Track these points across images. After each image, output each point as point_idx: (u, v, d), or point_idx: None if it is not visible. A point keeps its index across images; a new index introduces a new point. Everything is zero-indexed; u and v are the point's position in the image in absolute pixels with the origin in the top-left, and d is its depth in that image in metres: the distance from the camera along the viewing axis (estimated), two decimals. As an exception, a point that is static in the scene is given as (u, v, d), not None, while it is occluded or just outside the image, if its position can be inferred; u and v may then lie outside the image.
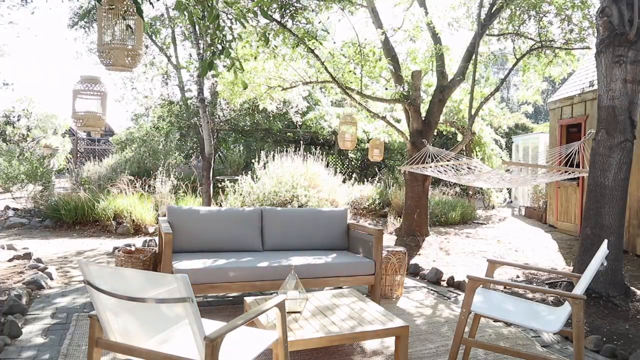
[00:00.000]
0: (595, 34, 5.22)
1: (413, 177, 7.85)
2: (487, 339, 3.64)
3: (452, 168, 6.30)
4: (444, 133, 13.63)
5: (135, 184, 8.82)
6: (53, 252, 6.20)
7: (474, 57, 7.42)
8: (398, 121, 10.23)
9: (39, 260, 5.42)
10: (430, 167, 6.35)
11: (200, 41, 8.97)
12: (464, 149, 11.46)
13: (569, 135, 9.37)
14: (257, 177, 8.79)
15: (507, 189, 13.62)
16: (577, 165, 7.14)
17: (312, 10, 7.38)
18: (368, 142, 11.56)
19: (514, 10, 7.55)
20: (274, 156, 9.05)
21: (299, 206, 7.98)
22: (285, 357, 2.52)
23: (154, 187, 8.93)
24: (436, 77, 8.32)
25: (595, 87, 6.27)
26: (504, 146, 15.20)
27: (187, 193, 9.53)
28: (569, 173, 5.67)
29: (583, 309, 2.61)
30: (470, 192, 12.17)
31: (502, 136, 14.30)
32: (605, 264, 2.93)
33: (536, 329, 2.82)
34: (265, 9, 6.14)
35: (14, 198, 10.34)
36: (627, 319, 4.11)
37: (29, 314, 3.81)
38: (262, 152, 9.45)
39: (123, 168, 11.16)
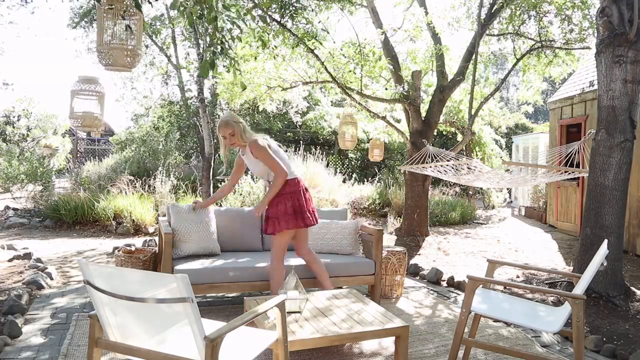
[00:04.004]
0: (595, 34, 5.22)
1: (413, 177, 7.85)
2: (487, 339, 3.64)
3: (452, 168, 6.30)
4: (444, 133, 13.64)
5: (135, 184, 8.82)
6: (53, 252, 6.20)
7: (474, 57, 7.42)
8: (398, 121, 10.23)
9: (38, 260, 5.42)
10: (430, 167, 6.35)
11: (200, 41, 8.97)
12: (464, 149, 11.46)
13: (569, 135, 9.37)
14: (257, 177, 8.79)
15: (507, 189, 13.62)
16: (577, 165, 7.14)
17: (312, 10, 7.38)
18: (368, 142, 11.56)
19: (514, 10, 7.55)
20: (274, 156, 9.04)
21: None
22: (285, 357, 2.52)
23: (154, 187, 8.93)
24: (436, 77, 8.31)
25: (595, 87, 6.27)
26: (504, 146, 15.20)
27: (187, 193, 9.53)
28: (569, 173, 5.67)
29: (583, 309, 2.61)
30: (470, 192, 12.17)
31: (502, 136, 14.30)
32: (605, 264, 2.93)
33: (536, 329, 2.82)
34: (265, 9, 6.14)
35: (14, 198, 10.34)
36: (627, 319, 4.11)
37: (28, 314, 3.81)
38: (262, 152, 9.43)
39: (123, 168, 11.16)
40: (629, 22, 4.51)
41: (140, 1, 3.36)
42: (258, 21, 6.25)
